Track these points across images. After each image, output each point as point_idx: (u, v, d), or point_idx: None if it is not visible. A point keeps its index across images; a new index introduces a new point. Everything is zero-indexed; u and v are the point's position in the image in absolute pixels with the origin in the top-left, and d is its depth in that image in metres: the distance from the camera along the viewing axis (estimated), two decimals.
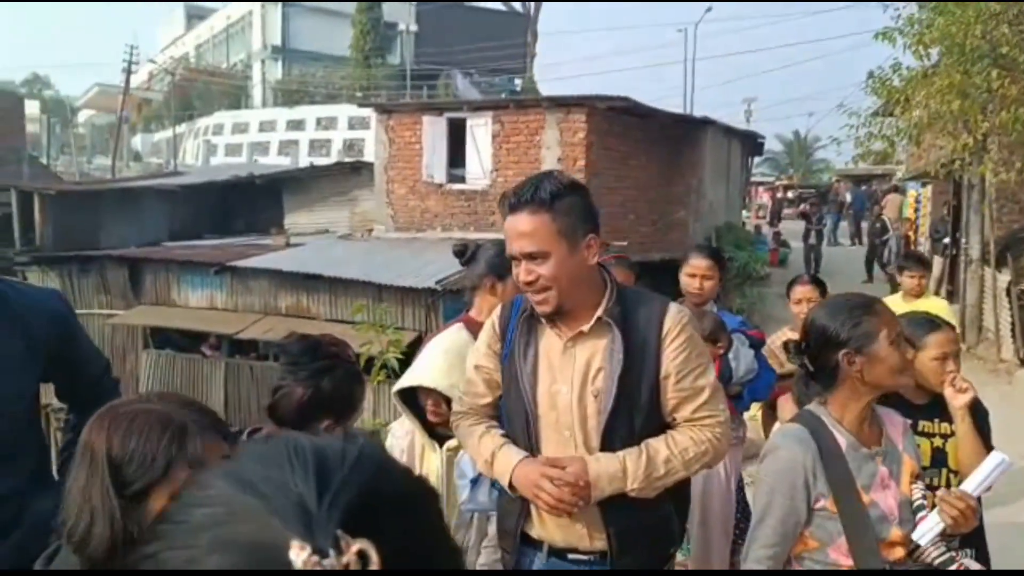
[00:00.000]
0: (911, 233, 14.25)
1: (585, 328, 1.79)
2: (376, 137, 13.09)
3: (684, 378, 1.78)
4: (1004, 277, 8.94)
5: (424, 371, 2.30)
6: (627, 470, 1.70)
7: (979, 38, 7.61)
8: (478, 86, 32.56)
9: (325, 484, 0.44)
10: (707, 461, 1.83)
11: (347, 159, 20.18)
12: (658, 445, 1.75)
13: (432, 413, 2.28)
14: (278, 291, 11.13)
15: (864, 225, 17.03)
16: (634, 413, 1.76)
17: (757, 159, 19.71)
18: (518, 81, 35.78)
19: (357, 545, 0.41)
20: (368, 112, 24.50)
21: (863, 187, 22.05)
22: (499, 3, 39.67)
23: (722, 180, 14.07)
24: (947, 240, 12.69)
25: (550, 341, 1.83)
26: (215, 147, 32.84)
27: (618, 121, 11.01)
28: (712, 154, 13.29)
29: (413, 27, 36.21)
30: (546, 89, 33.07)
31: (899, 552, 1.79)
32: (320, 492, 0.44)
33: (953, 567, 1.75)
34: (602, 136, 10.71)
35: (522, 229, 1.73)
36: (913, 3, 10.04)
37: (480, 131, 11.64)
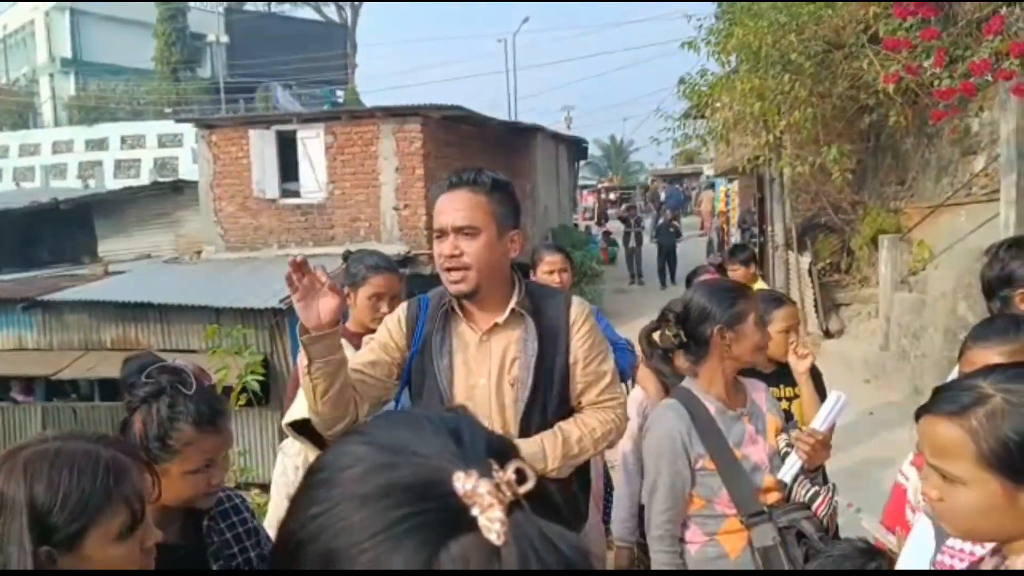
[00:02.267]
0: (725, 225, 15.61)
1: (500, 320, 1.87)
2: (199, 154, 12.37)
3: (590, 363, 1.91)
4: (805, 259, 10.07)
5: None
6: (546, 451, 1.80)
7: (771, 46, 8.50)
8: (299, 98, 31.63)
9: (458, 436, 0.49)
10: (611, 439, 1.97)
11: (161, 179, 18.86)
12: (569, 427, 1.86)
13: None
14: (100, 324, 10.21)
15: (683, 221, 18.38)
16: (547, 399, 1.87)
17: (581, 163, 20.74)
18: (340, 92, 35.15)
19: (514, 464, 0.46)
20: (181, 128, 23.04)
21: (676, 185, 23.87)
22: (315, 14, 38.77)
23: (552, 184, 14.69)
24: (754, 229, 14.08)
25: (465, 336, 1.89)
26: None
27: (453, 130, 11.18)
28: (542, 160, 13.84)
29: (224, 38, 34.44)
30: (369, 100, 32.73)
31: (774, 496, 2.04)
32: (457, 440, 0.49)
33: (819, 501, 2.01)
34: (439, 145, 10.83)
35: (458, 205, 1.79)
36: (714, 14, 11.10)
37: (312, 143, 11.36)
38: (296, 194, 11.60)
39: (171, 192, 14.00)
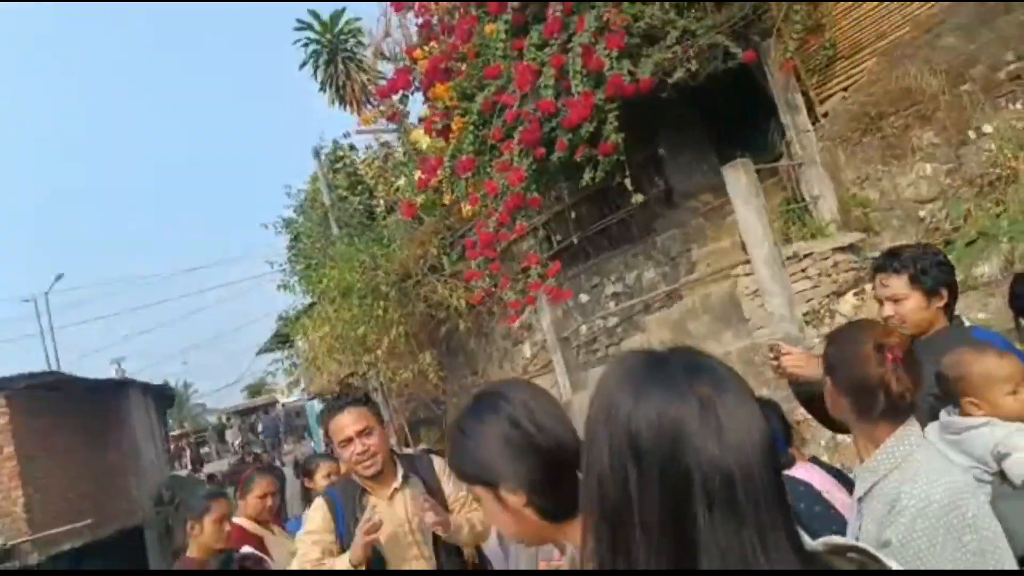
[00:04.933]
0: None
1: (397, 485, 2.75)
2: None
3: (459, 492, 2.89)
4: (423, 446, 11.64)
5: None
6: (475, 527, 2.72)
7: (359, 281, 10.37)
8: None
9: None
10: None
11: None
12: (470, 517, 2.77)
13: None
14: None
15: (287, 447, 18.46)
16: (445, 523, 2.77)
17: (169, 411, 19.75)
18: None
19: None
20: None
21: (268, 414, 24.12)
22: None
23: (149, 437, 13.95)
24: None
25: (377, 504, 2.71)
26: None
27: (44, 398, 10.28)
28: (138, 413, 13.23)
29: None
30: None
31: None
32: None
33: None
34: (30, 417, 9.85)
35: (353, 417, 2.65)
36: (287, 258, 12.73)
37: None
38: None
39: None
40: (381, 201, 13.15)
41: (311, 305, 14.15)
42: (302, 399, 26.95)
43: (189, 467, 19.82)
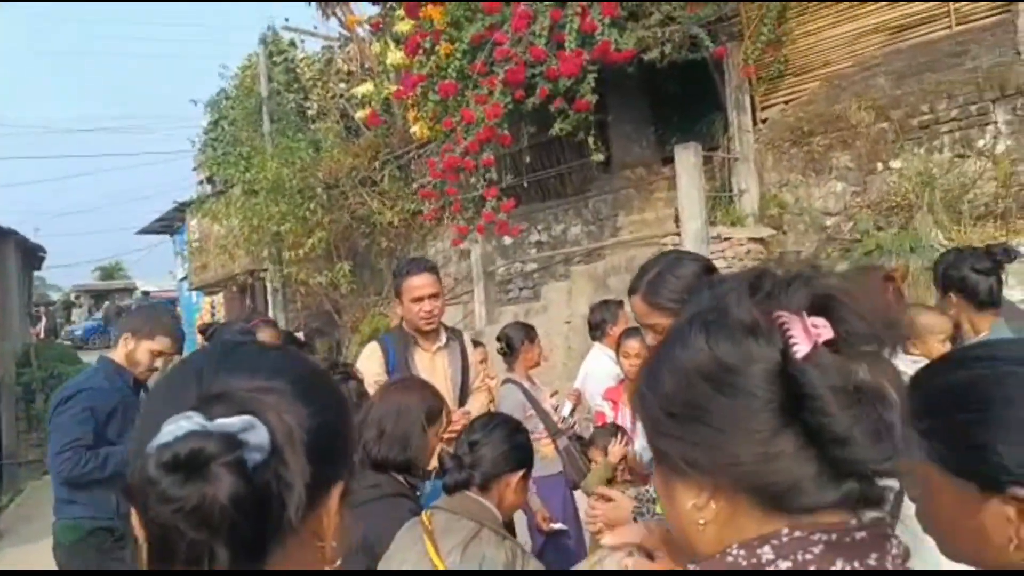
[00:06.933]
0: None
1: (441, 344, 3.26)
2: None
3: (476, 363, 3.45)
4: (320, 357, 11.89)
5: None
6: (476, 410, 3.27)
7: (294, 177, 10.42)
8: None
9: None
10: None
11: None
12: (475, 400, 3.36)
13: None
14: None
15: None
16: (468, 386, 3.31)
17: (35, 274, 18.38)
18: None
19: None
20: None
21: (143, 300, 23.08)
22: None
23: (16, 295, 13.17)
24: None
25: (421, 355, 3.20)
26: None
27: None
28: (11, 267, 12.51)
29: None
30: None
31: None
32: None
33: None
34: None
35: (427, 281, 3.12)
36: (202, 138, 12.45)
37: None
38: None
39: None
40: (315, 104, 13.05)
41: (219, 193, 13.82)
42: (177, 289, 25.95)
43: (43, 335, 18.77)
